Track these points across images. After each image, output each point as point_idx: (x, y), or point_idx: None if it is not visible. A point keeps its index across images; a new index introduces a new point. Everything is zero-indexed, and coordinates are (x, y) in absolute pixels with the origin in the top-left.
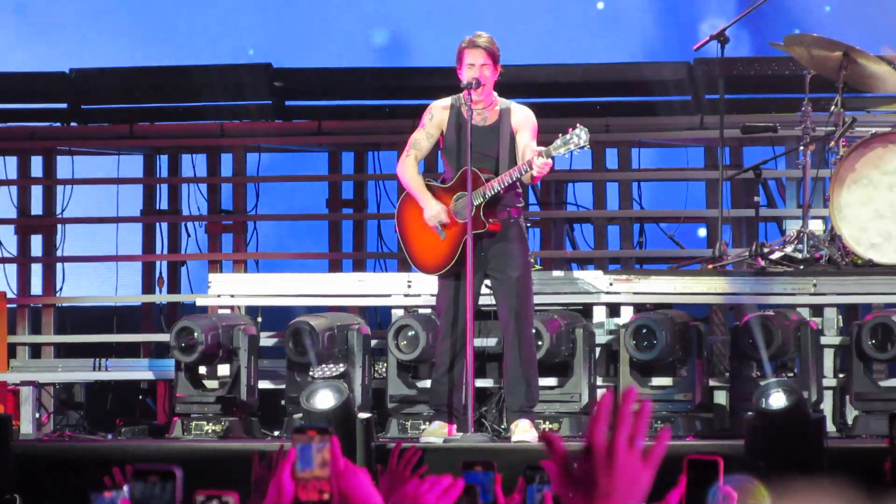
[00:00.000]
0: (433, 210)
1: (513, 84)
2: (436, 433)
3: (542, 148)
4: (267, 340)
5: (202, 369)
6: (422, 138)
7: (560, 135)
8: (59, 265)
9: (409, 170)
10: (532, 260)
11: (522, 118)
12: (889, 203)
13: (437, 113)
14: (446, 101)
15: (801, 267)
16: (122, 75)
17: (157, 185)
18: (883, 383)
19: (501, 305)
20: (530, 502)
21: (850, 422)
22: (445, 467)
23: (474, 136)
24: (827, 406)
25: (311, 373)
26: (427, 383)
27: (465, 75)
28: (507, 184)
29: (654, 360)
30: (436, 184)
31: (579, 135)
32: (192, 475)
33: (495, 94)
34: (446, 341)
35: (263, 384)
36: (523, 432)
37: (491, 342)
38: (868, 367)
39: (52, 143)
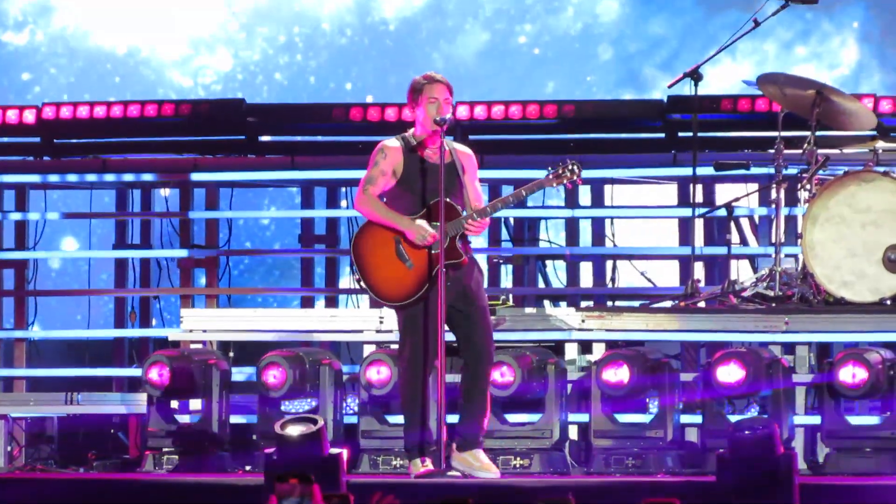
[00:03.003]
0: (420, 230)
1: (487, 121)
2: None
3: (527, 187)
4: (239, 375)
5: (174, 404)
6: (377, 175)
7: (551, 168)
8: (30, 299)
9: (372, 201)
10: (505, 296)
11: (469, 161)
12: (862, 241)
13: (391, 153)
14: (396, 143)
15: (773, 305)
16: (94, 110)
17: (129, 220)
18: (854, 421)
19: (469, 336)
20: None
21: (820, 460)
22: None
23: (432, 172)
24: (798, 444)
25: (282, 408)
26: (399, 419)
27: (429, 111)
28: (488, 214)
29: (625, 397)
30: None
31: (573, 170)
32: None
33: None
34: (419, 376)
35: (235, 419)
36: (486, 469)
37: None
38: (839, 404)
39: (24, 178)
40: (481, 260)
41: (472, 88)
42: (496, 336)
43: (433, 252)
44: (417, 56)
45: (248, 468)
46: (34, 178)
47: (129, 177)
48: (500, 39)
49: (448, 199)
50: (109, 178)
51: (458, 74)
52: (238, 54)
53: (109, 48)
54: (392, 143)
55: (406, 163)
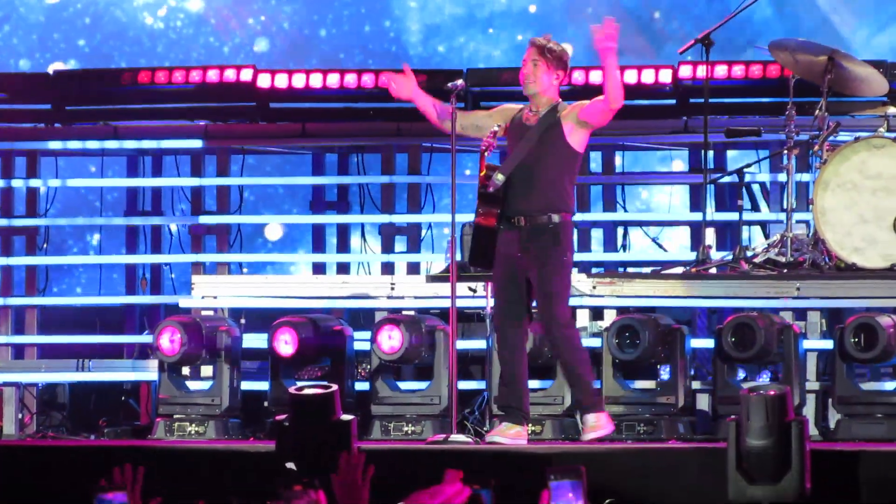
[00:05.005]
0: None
1: (498, 87)
2: (503, 433)
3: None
4: (250, 342)
5: (185, 370)
6: (480, 113)
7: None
8: (42, 266)
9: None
10: None
11: (573, 110)
12: (873, 207)
13: (504, 108)
14: (517, 105)
15: (785, 271)
16: (105, 76)
17: (141, 187)
18: (865, 387)
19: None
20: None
21: (832, 426)
22: (433, 469)
23: (515, 133)
24: (809, 410)
25: (295, 374)
26: (409, 385)
27: (521, 72)
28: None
29: (636, 360)
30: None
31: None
32: (175, 476)
33: (556, 100)
34: (501, 339)
35: (246, 385)
36: (592, 430)
37: (473, 344)
38: (851, 370)
39: (35, 144)
40: None
41: (449, 40)
42: None
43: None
44: (394, 4)
45: (259, 435)
46: (45, 145)
47: (140, 144)
48: None
49: (498, 166)
50: (122, 144)
51: (433, 24)
52: None
53: None
54: (515, 104)
55: (511, 123)
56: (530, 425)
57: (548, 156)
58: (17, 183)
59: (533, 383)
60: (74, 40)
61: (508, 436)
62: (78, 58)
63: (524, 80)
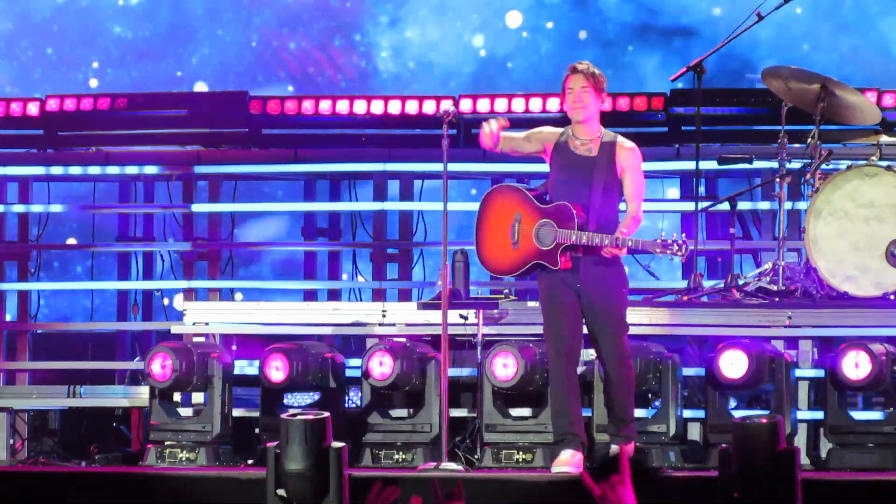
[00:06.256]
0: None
1: (490, 114)
2: (566, 462)
3: (632, 239)
4: (241, 369)
5: (176, 397)
6: (517, 137)
7: (662, 239)
8: (34, 291)
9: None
10: (508, 290)
11: (628, 158)
12: (865, 235)
13: (546, 131)
14: (558, 129)
15: (777, 299)
16: (97, 102)
17: (133, 213)
18: (857, 416)
19: (595, 340)
20: None
21: (823, 455)
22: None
23: (574, 164)
24: (801, 439)
25: (285, 401)
26: (401, 412)
27: (566, 102)
28: (586, 243)
29: None
30: (529, 190)
31: (682, 250)
32: (166, 503)
33: (601, 127)
34: (555, 369)
35: (237, 412)
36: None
37: (464, 371)
38: (843, 399)
39: (27, 170)
40: None
41: (419, 57)
42: (499, 329)
43: (538, 247)
44: (364, 19)
45: (250, 462)
46: (37, 170)
47: (132, 170)
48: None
49: (570, 200)
50: (113, 170)
51: (403, 39)
52: (179, 7)
53: None
54: (555, 129)
55: (556, 151)
56: (522, 453)
57: (606, 186)
58: (10, 208)
59: (523, 411)
60: (42, 48)
61: (573, 464)
62: (44, 66)
63: (573, 108)
